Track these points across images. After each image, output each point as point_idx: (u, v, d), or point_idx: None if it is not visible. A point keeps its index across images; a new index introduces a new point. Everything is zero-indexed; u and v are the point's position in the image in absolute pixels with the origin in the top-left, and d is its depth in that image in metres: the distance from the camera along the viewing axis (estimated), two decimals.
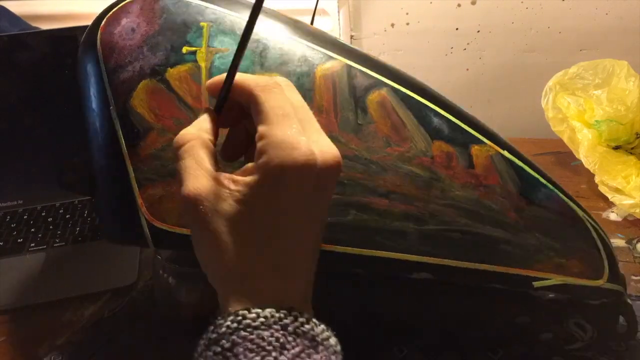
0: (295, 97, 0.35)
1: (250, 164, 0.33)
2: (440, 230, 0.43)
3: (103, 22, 0.44)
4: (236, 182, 0.33)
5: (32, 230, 0.74)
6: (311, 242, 0.34)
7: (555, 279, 0.45)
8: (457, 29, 1.02)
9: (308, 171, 0.32)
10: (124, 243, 0.48)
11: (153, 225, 0.42)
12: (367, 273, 0.43)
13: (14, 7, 0.95)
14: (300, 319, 0.32)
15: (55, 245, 0.71)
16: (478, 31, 1.01)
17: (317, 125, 0.34)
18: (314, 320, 0.32)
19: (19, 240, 0.72)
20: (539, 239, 0.45)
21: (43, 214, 0.77)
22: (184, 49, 0.43)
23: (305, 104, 0.35)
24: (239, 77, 0.35)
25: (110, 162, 0.43)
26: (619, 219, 0.73)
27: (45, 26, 0.92)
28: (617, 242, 0.68)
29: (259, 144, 0.32)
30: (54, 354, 0.55)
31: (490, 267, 0.44)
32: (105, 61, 0.44)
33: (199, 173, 0.33)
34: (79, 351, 0.55)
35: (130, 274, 0.65)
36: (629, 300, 0.49)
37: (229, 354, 0.30)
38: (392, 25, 1.03)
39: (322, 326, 0.32)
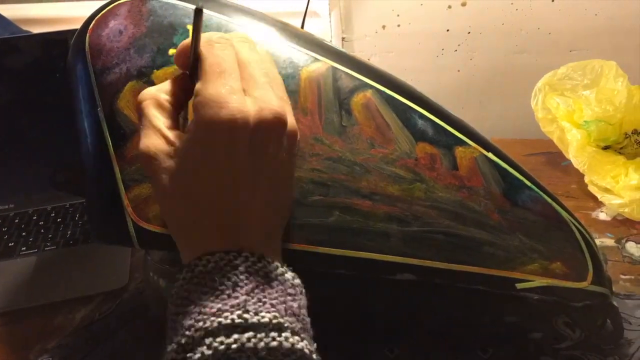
0: (245, 52, 0.36)
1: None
2: (423, 231, 0.43)
3: (92, 25, 0.45)
4: (180, 139, 0.34)
5: (23, 234, 0.74)
6: (260, 197, 0.35)
7: (539, 281, 0.45)
8: (447, 30, 1.02)
9: (236, 129, 0.32)
10: (112, 243, 0.48)
11: (139, 226, 0.42)
12: (350, 274, 0.43)
13: (5, 11, 0.95)
14: (252, 259, 0.33)
15: (46, 249, 0.71)
16: (469, 32, 1.02)
17: (264, 81, 0.35)
18: (268, 258, 0.33)
19: (10, 244, 0.72)
20: (523, 240, 0.45)
21: (34, 217, 0.77)
22: (171, 51, 0.44)
23: (259, 58, 0.36)
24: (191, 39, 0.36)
25: (97, 163, 0.44)
26: (608, 219, 0.73)
27: (36, 30, 0.92)
28: (607, 241, 0.68)
29: (194, 102, 0.33)
30: (45, 357, 0.55)
31: (473, 269, 0.44)
32: (93, 63, 0.44)
33: (150, 131, 0.35)
34: (70, 354, 0.55)
35: (122, 276, 0.65)
36: (615, 303, 0.49)
37: (186, 302, 0.31)
38: (383, 27, 1.03)
39: (277, 263, 0.34)
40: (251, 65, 0.35)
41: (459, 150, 0.45)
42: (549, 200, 0.47)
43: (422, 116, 0.45)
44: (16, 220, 0.76)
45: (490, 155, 0.46)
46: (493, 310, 0.49)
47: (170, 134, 0.35)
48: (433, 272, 0.43)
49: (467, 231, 0.44)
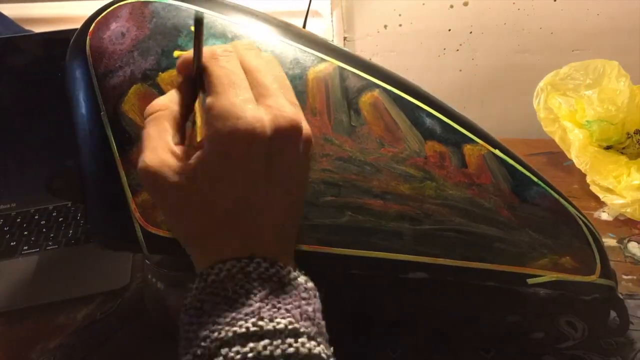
0: (252, 59, 0.35)
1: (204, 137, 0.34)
2: (435, 229, 0.43)
3: (92, 27, 0.44)
4: (189, 156, 0.33)
5: (25, 233, 0.73)
6: (274, 203, 0.35)
7: (549, 276, 0.46)
8: (449, 30, 1.02)
9: (255, 139, 0.31)
10: (118, 249, 0.47)
11: (147, 231, 0.41)
12: (363, 274, 0.43)
13: (7, 10, 0.95)
14: (264, 265, 0.32)
15: (48, 248, 0.71)
16: (470, 32, 1.02)
17: (275, 87, 0.34)
18: (280, 264, 0.33)
19: (12, 244, 0.72)
20: (532, 236, 0.46)
21: (36, 217, 0.77)
22: (176, 53, 0.43)
23: (267, 65, 0.35)
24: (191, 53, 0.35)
25: (101, 168, 0.43)
26: (610, 219, 0.73)
27: (38, 29, 0.91)
28: (609, 241, 0.68)
29: (206, 116, 0.33)
30: (46, 357, 0.55)
31: (485, 266, 0.44)
32: (94, 66, 0.43)
33: (157, 145, 0.34)
34: (71, 354, 0.55)
35: (123, 276, 0.65)
36: (620, 295, 0.50)
37: (199, 312, 0.31)
38: (385, 26, 1.03)
39: (289, 268, 0.33)
40: (260, 72, 0.34)
41: (467, 148, 0.45)
42: (556, 195, 0.48)
43: (429, 115, 0.45)
44: (18, 220, 0.76)
45: (497, 152, 0.46)
46: (497, 309, 0.49)
47: (178, 150, 0.34)
48: (445, 270, 0.44)
49: (478, 228, 0.44)
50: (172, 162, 0.33)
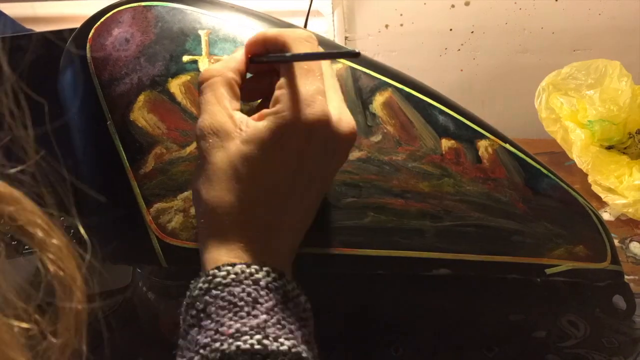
0: (327, 64, 0.36)
1: (266, 110, 0.33)
2: (455, 225, 0.44)
3: (91, 33, 0.43)
4: (248, 125, 0.33)
5: None
6: (307, 207, 0.35)
7: (565, 265, 0.47)
8: (451, 29, 1.02)
9: (318, 131, 0.32)
10: (131, 263, 0.46)
11: (165, 242, 0.41)
12: (388, 274, 0.44)
13: (8, 9, 0.95)
14: (273, 275, 0.32)
15: None
16: (472, 32, 1.01)
17: (340, 95, 0.35)
18: (287, 277, 0.32)
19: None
20: (547, 227, 0.47)
21: None
22: (185, 58, 0.42)
23: (334, 74, 0.37)
24: (277, 31, 0.36)
25: (109, 180, 0.42)
26: (612, 219, 0.73)
27: (39, 28, 0.91)
28: None
29: (277, 92, 0.33)
30: None
31: (505, 259, 0.45)
32: (97, 74, 0.42)
33: (215, 109, 0.34)
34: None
35: (124, 275, 0.65)
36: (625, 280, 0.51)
37: (202, 314, 0.30)
38: (386, 26, 1.03)
39: (294, 283, 0.33)
40: (331, 76, 0.36)
41: (480, 144, 0.46)
42: (566, 186, 0.49)
43: (442, 112, 0.46)
44: None
45: (507, 146, 0.47)
46: (499, 308, 0.50)
47: (237, 116, 0.34)
48: (467, 265, 0.44)
49: (496, 222, 0.45)
50: (230, 127, 0.33)
